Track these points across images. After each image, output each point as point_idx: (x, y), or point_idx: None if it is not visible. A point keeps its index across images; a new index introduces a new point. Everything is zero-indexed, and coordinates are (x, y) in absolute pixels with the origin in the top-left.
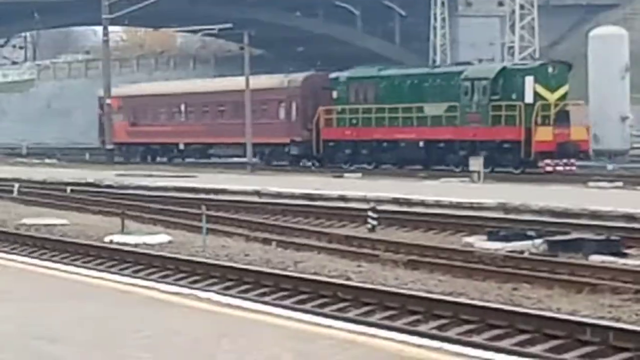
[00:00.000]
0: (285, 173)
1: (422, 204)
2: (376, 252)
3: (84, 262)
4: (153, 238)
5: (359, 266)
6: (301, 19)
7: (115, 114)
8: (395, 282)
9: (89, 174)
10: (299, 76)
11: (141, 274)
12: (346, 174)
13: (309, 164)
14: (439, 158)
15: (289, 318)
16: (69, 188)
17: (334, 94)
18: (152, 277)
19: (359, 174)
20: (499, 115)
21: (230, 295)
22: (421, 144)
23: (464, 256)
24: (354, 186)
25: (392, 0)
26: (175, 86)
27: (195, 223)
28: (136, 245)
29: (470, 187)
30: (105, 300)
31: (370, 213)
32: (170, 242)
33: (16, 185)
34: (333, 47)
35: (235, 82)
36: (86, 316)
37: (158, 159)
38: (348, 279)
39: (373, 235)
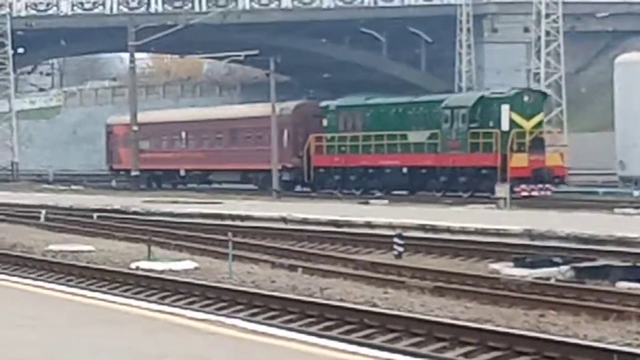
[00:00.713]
0: (311, 199)
1: (448, 230)
2: (402, 279)
3: (110, 289)
4: (179, 264)
5: (385, 293)
6: (327, 46)
7: (122, 142)
8: (422, 308)
9: (116, 201)
10: (291, 104)
11: (167, 300)
12: (372, 201)
13: (306, 189)
14: (421, 184)
15: (315, 345)
16: (95, 214)
17: (324, 122)
18: (179, 303)
19: (385, 201)
20: (477, 142)
21: (257, 322)
22: (404, 170)
23: (491, 283)
24: (380, 213)
25: (418, 27)
26: (177, 114)
27: (221, 249)
28: (162, 272)
29: (496, 213)
30: (131, 327)
31: (396, 239)
32: (196, 268)
33: (43, 211)
34: (359, 73)
35: (231, 111)
36: (113, 342)
37: (163, 185)
38: (374, 305)
39: (399, 262)
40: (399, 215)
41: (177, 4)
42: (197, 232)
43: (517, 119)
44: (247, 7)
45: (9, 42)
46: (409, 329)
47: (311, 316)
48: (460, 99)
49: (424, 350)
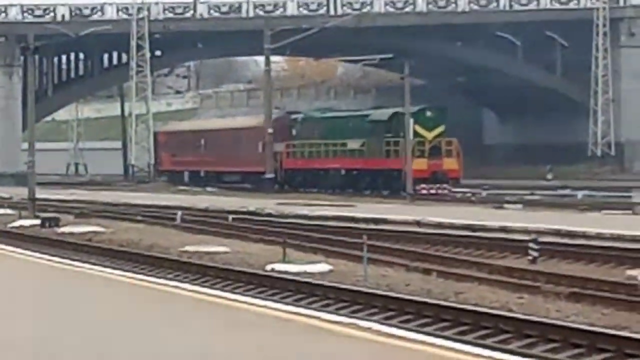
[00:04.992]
0: (445, 203)
1: (584, 236)
2: (538, 284)
3: (246, 290)
4: (314, 267)
5: (520, 298)
6: (462, 50)
7: (163, 147)
8: (557, 314)
9: (250, 203)
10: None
11: (302, 302)
12: (506, 205)
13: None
14: (354, 183)
15: (450, 349)
16: (230, 216)
17: (293, 132)
18: (314, 305)
19: (520, 205)
20: (389, 149)
21: (391, 325)
22: (342, 172)
23: (627, 289)
24: (515, 217)
25: (554, 31)
26: (198, 124)
27: (355, 252)
28: (297, 274)
29: (633, 219)
30: (267, 329)
31: (531, 244)
32: (331, 271)
33: (179, 213)
34: (493, 77)
35: (233, 122)
36: (249, 344)
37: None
38: (509, 310)
39: (534, 267)
40: (534, 220)
41: (312, 7)
42: (332, 235)
43: (420, 130)
44: (382, 10)
45: (146, 45)
46: (544, 335)
47: (446, 320)
48: (380, 114)
49: (560, 356)
